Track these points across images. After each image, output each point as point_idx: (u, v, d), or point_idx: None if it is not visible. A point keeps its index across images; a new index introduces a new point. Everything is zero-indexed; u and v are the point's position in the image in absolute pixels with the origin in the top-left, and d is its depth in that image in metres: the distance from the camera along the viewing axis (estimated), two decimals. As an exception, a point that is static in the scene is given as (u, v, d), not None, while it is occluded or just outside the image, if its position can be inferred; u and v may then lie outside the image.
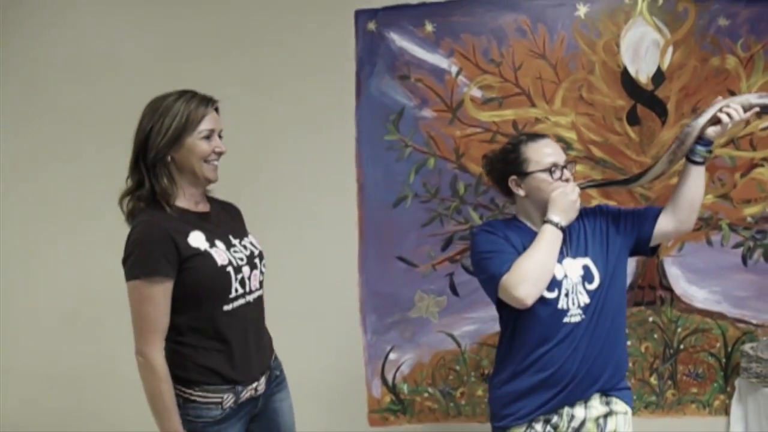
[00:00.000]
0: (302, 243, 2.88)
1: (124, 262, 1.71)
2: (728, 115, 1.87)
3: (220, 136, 1.84)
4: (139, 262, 1.68)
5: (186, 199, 1.82)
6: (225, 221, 1.91)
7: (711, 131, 1.90)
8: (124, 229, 1.77)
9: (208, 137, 1.79)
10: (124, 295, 1.71)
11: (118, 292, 1.76)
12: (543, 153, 1.95)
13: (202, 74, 2.70)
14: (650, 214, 2.01)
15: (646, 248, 2.03)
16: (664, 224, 1.99)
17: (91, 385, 2.99)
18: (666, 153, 1.98)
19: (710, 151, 1.94)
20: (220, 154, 1.82)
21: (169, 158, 1.76)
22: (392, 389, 2.94)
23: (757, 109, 1.91)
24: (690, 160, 1.94)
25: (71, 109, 2.95)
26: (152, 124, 1.74)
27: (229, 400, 1.79)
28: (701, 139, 1.91)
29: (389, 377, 2.94)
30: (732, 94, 2.76)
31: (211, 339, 1.77)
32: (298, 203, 2.88)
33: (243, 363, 1.81)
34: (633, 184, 2.15)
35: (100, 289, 2.81)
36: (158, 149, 1.74)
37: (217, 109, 1.85)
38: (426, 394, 2.94)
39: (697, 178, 1.95)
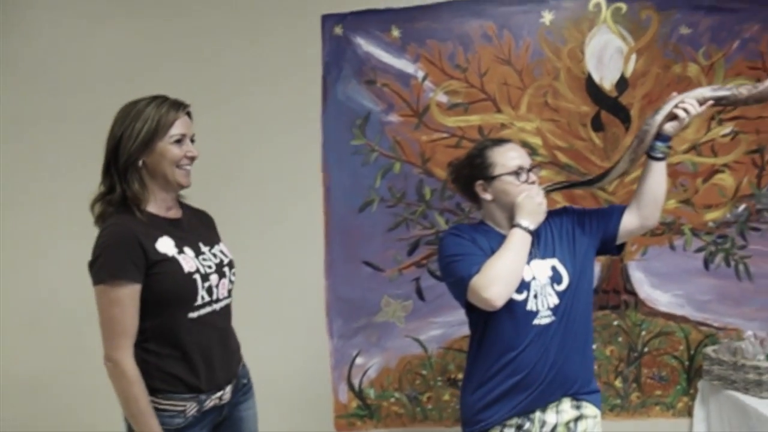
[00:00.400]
0: (268, 247, 2.87)
1: (91, 265, 1.69)
2: (685, 110, 1.91)
3: (192, 141, 1.83)
4: (106, 266, 1.66)
5: (157, 205, 1.81)
6: (196, 228, 1.90)
7: (669, 127, 1.94)
8: (91, 233, 1.75)
9: (179, 141, 1.78)
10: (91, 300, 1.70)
11: (85, 296, 1.74)
12: (508, 156, 1.97)
13: (168, 79, 2.67)
14: (615, 212, 2.04)
15: (612, 246, 2.05)
16: (629, 221, 2.01)
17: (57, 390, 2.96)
18: (627, 152, 2.01)
19: (669, 147, 1.98)
20: (192, 158, 1.82)
21: (140, 163, 1.75)
22: (359, 394, 2.93)
23: (711, 102, 1.95)
24: (651, 157, 1.98)
25: (38, 113, 2.93)
26: (123, 129, 1.74)
27: (192, 408, 1.77)
28: (660, 136, 1.95)
29: (356, 382, 2.93)
30: (693, 100, 2.82)
31: (175, 346, 1.75)
32: (264, 207, 2.87)
33: (206, 371, 1.79)
34: (597, 184, 2.17)
35: (65, 293, 2.79)
36: (129, 154, 1.73)
37: (189, 114, 1.84)
38: (393, 399, 2.94)
39: (659, 174, 1.98)
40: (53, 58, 2.94)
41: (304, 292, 2.89)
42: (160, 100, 1.78)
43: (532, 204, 1.91)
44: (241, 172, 2.87)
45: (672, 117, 1.93)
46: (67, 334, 2.93)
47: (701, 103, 1.94)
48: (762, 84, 1.94)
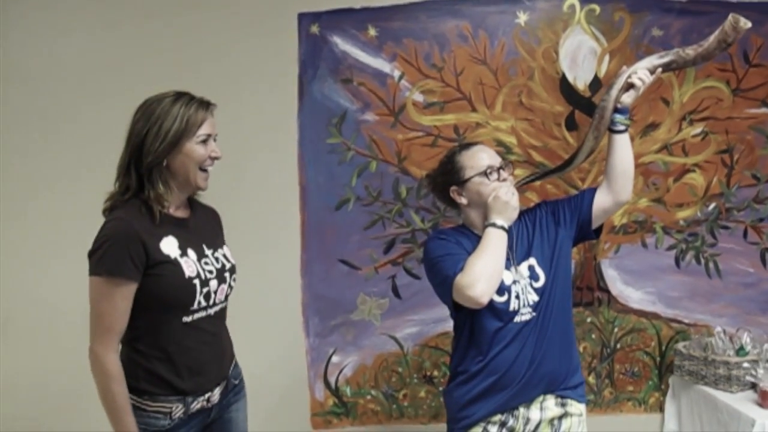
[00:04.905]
0: (245, 246, 2.79)
1: (91, 255, 1.66)
2: (640, 79, 1.97)
3: (215, 140, 1.81)
4: (105, 259, 1.63)
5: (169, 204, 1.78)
6: (202, 229, 1.87)
7: (626, 97, 1.99)
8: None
9: (204, 142, 1.76)
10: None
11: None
12: (477, 158, 2.00)
13: (144, 78, 2.64)
14: (586, 195, 2.07)
15: (589, 230, 2.08)
16: (602, 200, 2.04)
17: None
18: (590, 130, 2.05)
19: (629, 118, 2.02)
20: (215, 159, 1.80)
21: (165, 163, 1.72)
22: (335, 392, 2.94)
23: (660, 70, 2.00)
24: (613, 131, 2.01)
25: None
26: (149, 128, 1.69)
27: (178, 410, 1.75)
28: (617, 109, 1.99)
29: (332, 380, 2.93)
30: (665, 102, 2.86)
31: (163, 349, 1.73)
32: (240, 206, 2.83)
33: (195, 375, 1.77)
34: (568, 169, 2.20)
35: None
36: (156, 154, 1.69)
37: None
38: (369, 397, 2.95)
39: (624, 146, 2.02)
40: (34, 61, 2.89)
41: (280, 290, 2.88)
42: (186, 98, 1.75)
43: (499, 203, 1.93)
44: (217, 170, 2.82)
45: (627, 88, 1.99)
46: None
47: (652, 71, 1.99)
48: (706, 41, 1.99)
